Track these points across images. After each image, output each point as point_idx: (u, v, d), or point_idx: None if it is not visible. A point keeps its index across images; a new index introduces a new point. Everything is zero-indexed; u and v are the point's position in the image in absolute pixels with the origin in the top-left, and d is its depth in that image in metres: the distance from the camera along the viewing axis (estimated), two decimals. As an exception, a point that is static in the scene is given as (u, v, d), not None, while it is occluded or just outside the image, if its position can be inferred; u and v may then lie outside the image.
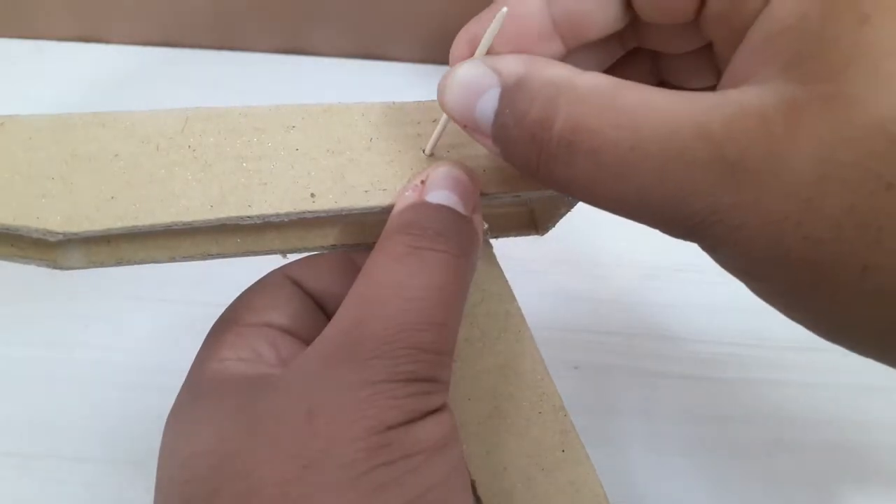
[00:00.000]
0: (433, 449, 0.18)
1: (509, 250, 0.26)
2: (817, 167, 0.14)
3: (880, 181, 0.14)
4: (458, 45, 0.20)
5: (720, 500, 0.35)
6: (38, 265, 0.21)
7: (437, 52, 0.47)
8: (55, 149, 0.20)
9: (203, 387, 0.20)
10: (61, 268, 0.21)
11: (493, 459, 0.23)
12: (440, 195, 0.21)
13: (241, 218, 0.21)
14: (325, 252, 0.24)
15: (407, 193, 0.21)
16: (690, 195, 0.15)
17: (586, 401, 0.36)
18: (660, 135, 0.15)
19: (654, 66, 0.23)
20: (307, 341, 0.20)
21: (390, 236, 0.20)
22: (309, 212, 0.21)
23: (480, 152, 0.23)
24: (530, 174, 0.18)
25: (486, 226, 0.22)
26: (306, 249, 0.24)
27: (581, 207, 0.22)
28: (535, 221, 0.28)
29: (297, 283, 0.23)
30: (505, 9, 0.18)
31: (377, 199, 0.22)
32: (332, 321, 0.19)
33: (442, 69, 0.20)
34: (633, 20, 0.20)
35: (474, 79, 0.19)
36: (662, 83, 0.23)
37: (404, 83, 0.47)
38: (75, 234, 0.20)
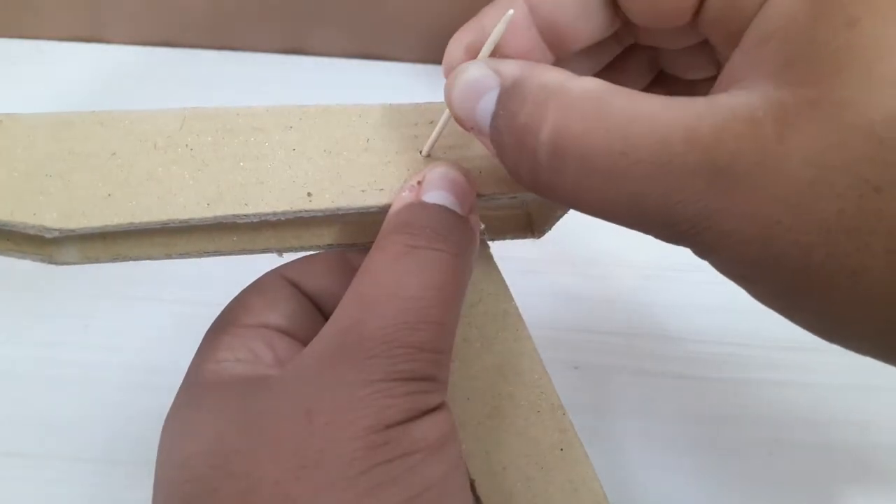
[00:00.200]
0: (432, 448, 0.18)
1: (508, 251, 0.26)
2: (807, 172, 0.14)
3: (868, 185, 0.14)
4: (451, 52, 0.20)
5: (720, 499, 0.34)
6: (34, 260, 0.21)
7: (437, 52, 0.47)
8: (53, 146, 0.20)
9: (201, 388, 0.20)
10: (56, 263, 0.21)
11: (493, 459, 0.23)
12: (437, 195, 0.21)
13: (238, 216, 0.21)
14: (321, 252, 0.24)
15: (404, 194, 0.21)
16: (681, 201, 0.15)
17: (586, 401, 0.36)
18: (650, 141, 0.15)
19: (654, 59, 0.23)
20: (304, 342, 0.20)
21: (387, 236, 0.20)
22: (305, 211, 0.21)
23: (477, 153, 0.23)
24: (519, 178, 0.18)
25: (482, 226, 0.22)
26: (303, 248, 0.24)
27: (579, 207, 0.22)
28: (532, 224, 0.28)
29: (293, 284, 0.23)
30: (511, 11, 0.18)
31: (374, 199, 0.22)
32: (329, 321, 0.19)
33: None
34: (627, 21, 0.20)
35: (477, 79, 0.19)
36: (663, 74, 0.23)
37: (404, 83, 0.47)
38: (72, 230, 0.20)
